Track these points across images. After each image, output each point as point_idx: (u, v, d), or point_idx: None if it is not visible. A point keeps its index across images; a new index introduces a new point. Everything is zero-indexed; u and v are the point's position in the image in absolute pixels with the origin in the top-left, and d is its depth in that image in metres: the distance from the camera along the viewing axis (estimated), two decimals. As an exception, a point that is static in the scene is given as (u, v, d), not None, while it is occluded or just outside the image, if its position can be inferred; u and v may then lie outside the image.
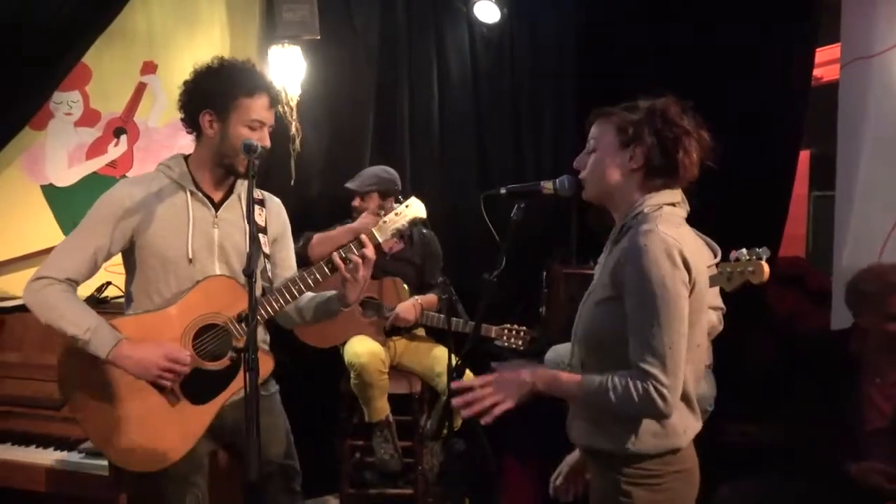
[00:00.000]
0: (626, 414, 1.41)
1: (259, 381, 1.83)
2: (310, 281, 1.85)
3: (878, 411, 2.16)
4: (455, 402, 1.47)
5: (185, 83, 1.87)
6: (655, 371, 1.33)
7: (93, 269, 1.83)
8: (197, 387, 1.80)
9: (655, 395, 1.33)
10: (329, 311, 1.97)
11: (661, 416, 1.38)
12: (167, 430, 1.79)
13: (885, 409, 2.15)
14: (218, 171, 1.87)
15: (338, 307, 1.93)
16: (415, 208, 1.87)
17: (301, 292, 1.86)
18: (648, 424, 1.42)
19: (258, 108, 1.81)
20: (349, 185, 3.04)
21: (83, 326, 1.73)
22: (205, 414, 1.81)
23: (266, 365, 1.87)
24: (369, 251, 1.81)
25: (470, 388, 1.45)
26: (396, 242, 3.04)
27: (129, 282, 1.90)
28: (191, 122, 1.86)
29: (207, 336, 1.83)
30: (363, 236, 1.82)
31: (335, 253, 1.83)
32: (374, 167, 3.10)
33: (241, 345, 1.76)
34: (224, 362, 1.82)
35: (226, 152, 1.82)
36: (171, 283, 1.83)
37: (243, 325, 1.79)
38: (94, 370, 1.76)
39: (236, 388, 1.83)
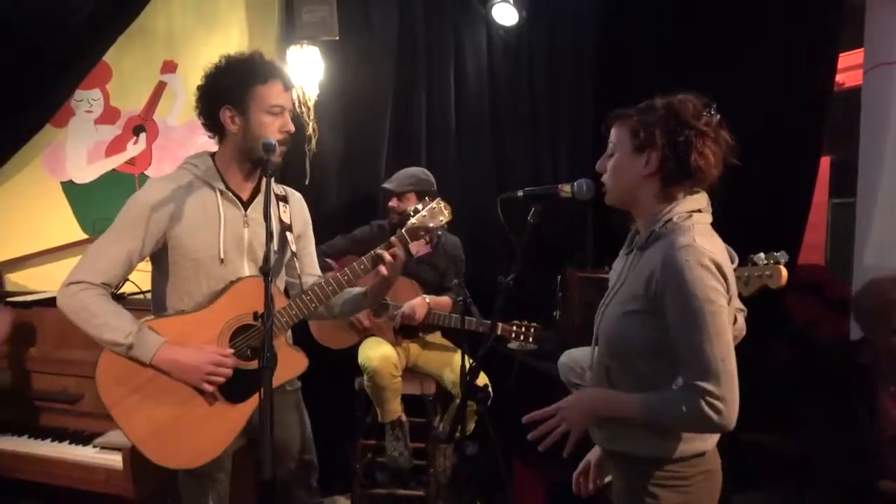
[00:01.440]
0: (687, 428, 1.42)
1: (291, 377, 1.90)
2: (343, 280, 1.88)
3: (894, 421, 2.13)
4: (530, 435, 1.50)
5: (199, 87, 1.87)
6: (709, 386, 1.33)
7: (127, 272, 1.83)
8: (234, 385, 1.82)
9: (709, 410, 1.32)
10: (357, 307, 2.03)
11: (721, 430, 1.38)
12: (206, 428, 1.80)
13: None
14: (246, 166, 1.88)
15: (366, 303, 1.99)
16: (441, 211, 1.92)
17: (335, 292, 1.89)
18: (674, 431, 1.43)
19: (275, 93, 1.82)
20: (387, 185, 3.04)
21: (124, 331, 1.73)
22: (242, 412, 1.83)
23: (300, 364, 1.91)
24: (400, 251, 1.87)
25: (539, 421, 1.49)
26: (423, 245, 3.07)
27: (159, 282, 1.89)
28: (211, 123, 1.87)
29: (244, 336, 1.84)
30: (394, 239, 1.87)
31: (371, 254, 1.87)
32: (411, 168, 3.10)
33: (271, 338, 1.78)
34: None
35: (253, 144, 1.82)
36: (202, 284, 1.83)
37: (275, 320, 1.82)
38: (132, 372, 1.76)
39: (273, 386, 1.84)
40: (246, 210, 1.88)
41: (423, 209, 1.91)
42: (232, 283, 1.83)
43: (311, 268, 2.05)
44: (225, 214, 1.84)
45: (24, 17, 2.90)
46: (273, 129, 1.81)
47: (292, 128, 1.86)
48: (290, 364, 1.90)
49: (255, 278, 1.85)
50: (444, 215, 1.92)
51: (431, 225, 1.91)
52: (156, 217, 1.79)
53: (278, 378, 1.85)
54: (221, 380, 1.78)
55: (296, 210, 2.01)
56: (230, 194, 1.86)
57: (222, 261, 1.82)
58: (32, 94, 2.98)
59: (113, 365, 1.76)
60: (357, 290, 1.99)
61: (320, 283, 1.87)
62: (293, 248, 1.92)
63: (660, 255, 1.40)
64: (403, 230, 1.90)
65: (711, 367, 1.33)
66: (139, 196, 1.82)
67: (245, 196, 1.90)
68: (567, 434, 1.47)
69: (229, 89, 1.82)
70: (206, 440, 1.80)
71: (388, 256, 1.85)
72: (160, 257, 1.86)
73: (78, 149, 3.17)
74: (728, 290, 1.38)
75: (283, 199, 1.97)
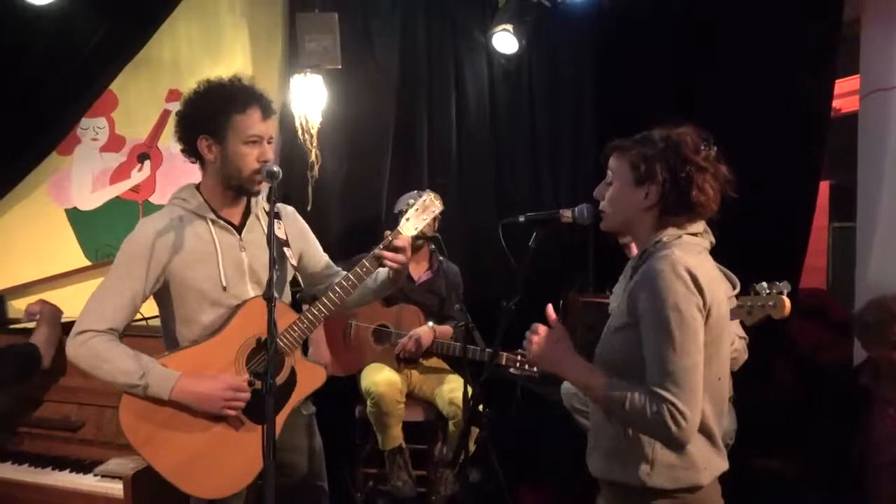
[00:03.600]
0: (638, 429, 1.40)
1: (312, 389, 1.92)
2: (348, 286, 1.88)
3: (887, 444, 2.12)
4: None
5: (177, 114, 1.87)
6: (670, 395, 1.31)
7: (131, 315, 1.83)
8: (258, 406, 1.78)
9: (668, 419, 1.30)
10: (386, 289, 2.05)
11: (675, 442, 1.35)
12: (237, 453, 1.79)
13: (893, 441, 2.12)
14: (228, 193, 1.87)
15: (389, 290, 2.02)
16: (433, 202, 1.92)
17: (341, 300, 1.88)
18: (665, 456, 1.40)
19: (252, 122, 1.79)
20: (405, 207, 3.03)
21: (136, 373, 1.72)
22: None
23: (319, 376, 1.93)
24: (401, 241, 1.87)
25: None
26: (425, 271, 3.08)
27: (167, 318, 1.89)
28: (191, 151, 1.86)
29: (260, 357, 1.84)
30: (388, 232, 1.89)
31: (371, 255, 1.88)
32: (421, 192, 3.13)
33: (295, 355, 1.82)
34: (281, 378, 1.84)
35: (231, 174, 1.82)
36: (208, 313, 1.83)
37: (287, 336, 1.83)
38: (154, 409, 1.76)
39: (296, 400, 1.87)
40: (240, 234, 1.89)
41: (414, 203, 1.90)
42: (238, 306, 1.83)
43: (326, 268, 2.07)
44: (220, 242, 1.84)
45: (33, 48, 2.95)
46: (251, 160, 1.80)
47: (271, 157, 1.83)
48: (311, 377, 1.92)
49: (259, 299, 1.85)
50: (436, 206, 1.92)
51: (425, 217, 1.91)
52: (153, 255, 1.79)
53: (302, 391, 1.88)
54: (242, 404, 1.78)
55: (290, 223, 2.01)
56: (222, 222, 1.87)
57: (225, 288, 1.83)
58: (39, 122, 3.02)
59: (134, 406, 1.76)
60: (380, 274, 1.98)
61: (328, 294, 1.86)
62: (293, 262, 1.93)
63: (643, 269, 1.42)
64: (400, 228, 1.89)
65: (676, 377, 1.32)
66: (134, 237, 1.82)
67: (236, 221, 1.90)
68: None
69: (206, 118, 1.79)
70: (240, 464, 1.79)
71: (387, 254, 1.86)
72: (163, 294, 1.86)
73: (83, 176, 3.20)
74: (705, 304, 1.36)
75: (276, 215, 1.96)
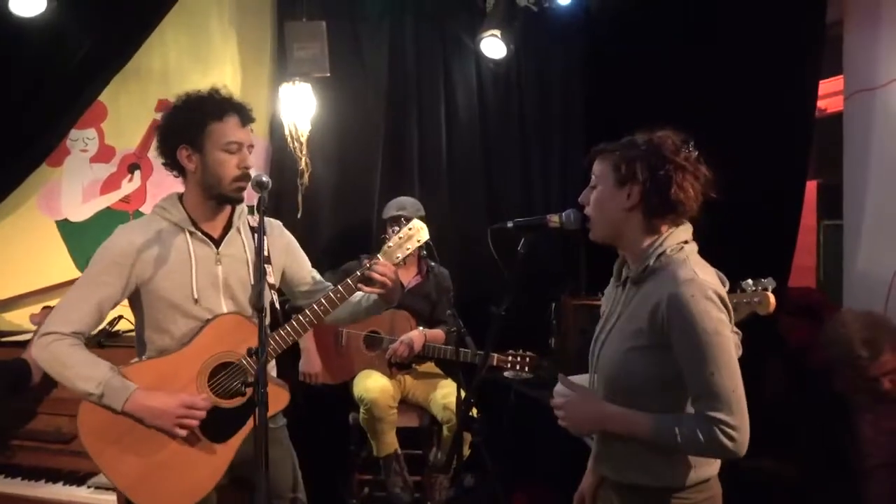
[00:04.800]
0: (694, 454, 1.45)
1: (274, 413, 1.87)
2: (319, 311, 1.87)
3: (876, 446, 2.14)
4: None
5: (157, 128, 1.89)
6: (724, 416, 1.36)
7: (98, 320, 1.83)
8: (217, 425, 1.81)
9: (724, 439, 1.36)
10: (372, 313, 2.04)
11: (733, 456, 1.40)
12: (191, 470, 1.79)
13: (881, 443, 2.14)
14: (210, 204, 1.87)
15: (380, 310, 2.01)
16: (419, 232, 1.89)
17: (311, 324, 1.88)
18: (685, 457, 1.46)
19: (230, 129, 1.80)
20: (399, 212, 3.02)
21: (94, 380, 1.73)
22: (226, 451, 1.82)
23: (281, 398, 1.88)
24: (379, 269, 1.85)
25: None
26: (414, 276, 3.09)
27: (138, 325, 1.90)
28: (172, 162, 1.86)
29: (223, 374, 1.83)
30: (366, 261, 1.87)
31: (342, 284, 1.86)
32: (410, 198, 3.15)
33: (265, 373, 1.77)
34: (240, 399, 1.82)
35: (211, 183, 1.83)
36: (179, 324, 1.83)
37: (254, 358, 1.78)
38: (113, 420, 1.76)
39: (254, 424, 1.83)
40: (218, 248, 1.88)
41: (399, 231, 1.90)
42: (208, 321, 1.83)
43: (313, 284, 2.05)
44: (196, 254, 1.84)
45: (22, 59, 2.95)
46: (231, 167, 1.81)
47: (251, 163, 1.84)
48: (273, 399, 1.87)
49: (232, 315, 1.85)
50: (422, 236, 1.90)
51: (409, 247, 1.89)
52: (126, 264, 1.79)
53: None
54: (194, 423, 1.76)
55: (274, 240, 2.00)
56: (200, 234, 1.86)
57: (196, 300, 1.82)
58: (29, 133, 3.02)
59: (93, 415, 1.76)
60: (370, 296, 1.97)
61: (297, 318, 1.86)
62: (271, 280, 1.91)
63: (662, 289, 1.42)
64: (380, 255, 1.88)
65: (723, 397, 1.37)
66: (109, 244, 1.83)
67: (216, 234, 1.90)
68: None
69: (184, 128, 1.81)
70: (192, 482, 1.78)
71: (377, 276, 1.83)
72: (136, 301, 1.86)
73: (73, 187, 3.20)
74: (731, 320, 1.42)
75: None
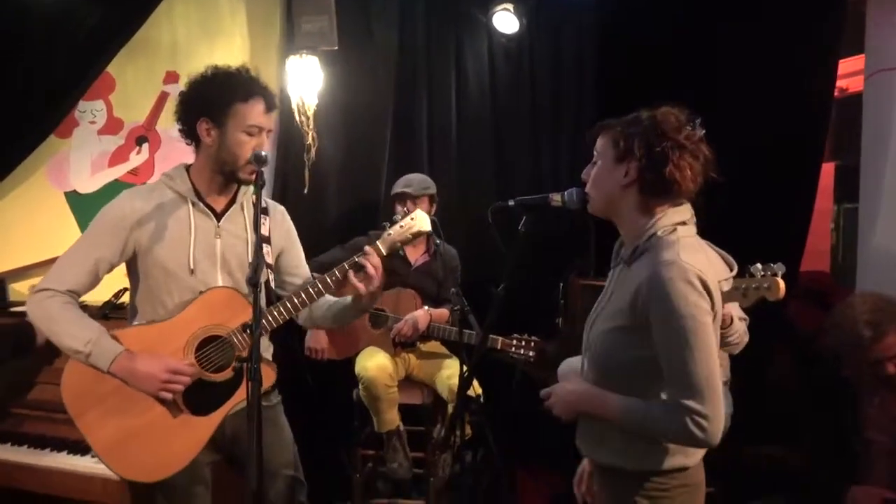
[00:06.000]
0: (664, 441, 1.43)
1: (260, 391, 1.86)
2: (313, 292, 1.85)
3: (881, 432, 2.12)
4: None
5: (181, 94, 1.87)
6: (694, 405, 1.33)
7: (94, 281, 1.83)
8: (200, 398, 1.80)
9: (694, 428, 1.33)
10: (347, 317, 1.99)
11: (703, 445, 1.39)
12: (169, 441, 1.78)
13: (886, 428, 2.11)
14: (218, 178, 1.87)
15: (354, 315, 1.95)
16: (420, 221, 1.87)
17: (304, 304, 1.86)
18: (662, 444, 1.43)
19: (255, 113, 1.80)
20: (405, 189, 3.01)
21: (83, 339, 1.73)
22: (207, 425, 1.81)
23: (268, 376, 1.87)
24: (375, 260, 1.81)
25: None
26: (422, 254, 3.07)
27: (133, 292, 1.91)
28: (188, 131, 1.86)
29: (210, 347, 1.83)
30: (368, 248, 1.83)
31: (343, 265, 1.84)
32: (419, 174, 3.12)
33: (244, 355, 1.74)
34: (227, 373, 1.82)
35: (226, 160, 1.82)
36: (173, 294, 1.83)
37: (247, 334, 1.78)
38: (97, 381, 1.76)
39: (239, 399, 1.82)
40: (219, 221, 1.88)
41: (401, 220, 1.87)
42: (201, 293, 1.82)
43: (300, 278, 2.03)
44: (196, 225, 1.84)
45: (31, 29, 2.94)
46: (248, 149, 1.79)
47: (268, 149, 1.82)
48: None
49: (225, 289, 1.84)
50: (423, 226, 1.87)
51: (410, 236, 1.87)
52: (126, 227, 1.80)
53: (244, 392, 1.82)
54: (180, 388, 1.76)
55: (276, 223, 1.99)
56: (202, 205, 1.86)
57: (192, 271, 1.82)
58: (37, 105, 3.02)
59: (77, 374, 1.76)
60: (345, 299, 1.96)
61: (291, 297, 1.85)
62: (269, 260, 1.90)
63: (645, 270, 1.40)
64: (379, 242, 1.85)
65: (695, 385, 1.33)
66: (111, 206, 1.83)
67: (219, 208, 1.90)
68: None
69: (209, 102, 1.81)
70: (169, 453, 1.78)
71: (370, 268, 1.80)
72: (133, 268, 1.87)
73: (81, 159, 3.20)
74: (713, 307, 1.38)
75: (264, 211, 1.94)
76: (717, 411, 1.34)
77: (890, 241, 2.79)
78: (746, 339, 2.09)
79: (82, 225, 3.18)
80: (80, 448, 2.21)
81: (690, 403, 1.33)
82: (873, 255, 2.83)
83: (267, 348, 2.00)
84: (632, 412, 1.41)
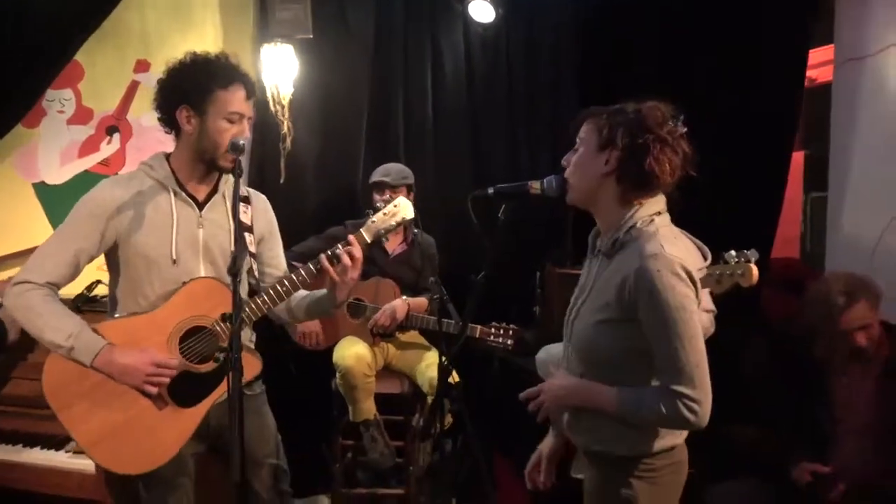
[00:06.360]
0: (657, 426, 1.49)
1: (245, 381, 1.81)
2: (297, 281, 1.84)
3: (849, 411, 2.17)
4: (530, 407, 1.60)
5: (159, 81, 1.84)
6: (686, 390, 1.39)
7: (74, 273, 1.80)
8: (185, 389, 1.79)
9: (686, 412, 1.39)
10: (321, 310, 1.97)
11: (694, 428, 1.44)
12: (155, 433, 1.77)
13: (854, 408, 2.17)
14: (200, 167, 1.85)
15: (329, 306, 1.93)
16: (403, 209, 1.86)
17: (288, 293, 1.85)
18: (654, 428, 1.49)
19: (235, 100, 1.78)
20: (383, 178, 3.00)
21: (65, 333, 1.70)
22: (193, 416, 1.80)
23: (253, 366, 1.86)
24: (357, 251, 1.80)
25: (534, 397, 1.60)
26: (399, 243, 3.07)
27: (112, 283, 1.88)
28: (168, 119, 1.84)
29: (194, 339, 1.81)
30: (351, 237, 1.82)
31: (322, 255, 1.82)
32: (397, 164, 3.11)
33: (239, 338, 1.74)
34: (211, 364, 1.80)
35: (206, 148, 1.80)
36: (154, 285, 1.81)
37: (228, 324, 1.76)
38: (80, 375, 1.74)
39: (224, 390, 1.79)
40: (201, 210, 1.86)
41: (384, 208, 1.87)
42: (184, 283, 1.80)
43: (277, 270, 2.01)
44: (178, 214, 1.81)
45: (-7, 16, 2.86)
46: (228, 136, 1.77)
47: (248, 136, 1.81)
48: (245, 367, 1.85)
49: (208, 279, 1.83)
50: (406, 214, 1.86)
51: (394, 223, 1.86)
52: (106, 217, 1.77)
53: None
54: (165, 380, 1.74)
55: (258, 212, 1.98)
56: (184, 194, 1.84)
57: (175, 261, 1.80)
58: (2, 94, 2.94)
59: (59, 368, 1.74)
60: (319, 292, 1.94)
61: (274, 285, 1.84)
62: (252, 249, 1.89)
63: (630, 263, 1.43)
64: (363, 230, 1.84)
65: (686, 371, 1.39)
66: (91, 196, 1.80)
67: (201, 197, 1.88)
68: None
69: (189, 89, 1.78)
70: (155, 446, 1.76)
71: (346, 258, 1.79)
72: (113, 258, 1.84)
73: (50, 150, 3.13)
74: (697, 295, 1.43)
75: (245, 199, 1.93)
76: (706, 395, 1.41)
77: (858, 229, 2.86)
78: (712, 329, 2.13)
79: (52, 217, 3.11)
80: (55, 443, 2.19)
81: (682, 389, 1.39)
82: (842, 242, 2.90)
83: (250, 338, 1.98)
84: (625, 401, 1.46)
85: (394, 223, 1.86)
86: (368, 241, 1.84)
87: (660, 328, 1.40)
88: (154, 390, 1.74)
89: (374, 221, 1.85)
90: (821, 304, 2.19)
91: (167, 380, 1.75)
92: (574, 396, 1.54)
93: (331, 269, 1.80)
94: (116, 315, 1.85)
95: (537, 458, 1.77)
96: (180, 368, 1.77)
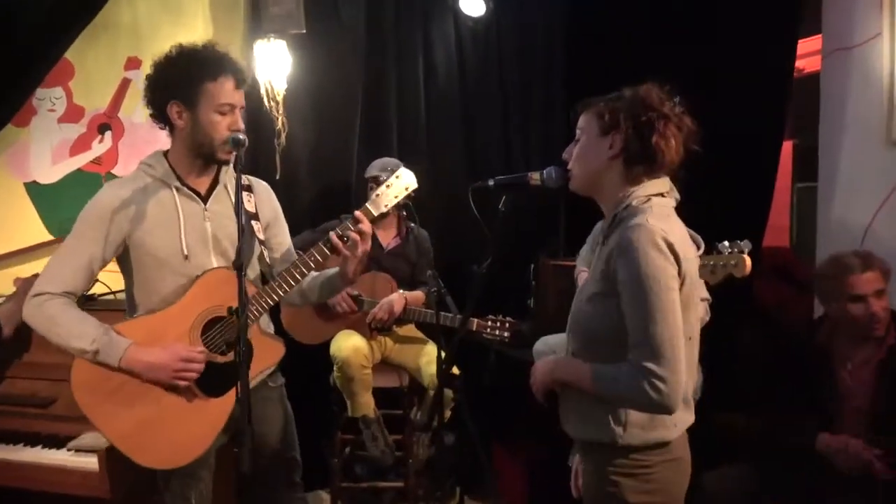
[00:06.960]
0: (626, 406, 1.43)
1: (266, 367, 1.87)
2: (311, 263, 1.85)
3: (852, 396, 2.19)
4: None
5: (147, 77, 1.83)
6: (653, 367, 1.33)
7: (89, 279, 1.81)
8: (212, 380, 1.80)
9: (650, 390, 1.33)
10: (333, 288, 1.99)
11: (659, 409, 1.36)
12: (188, 425, 1.79)
13: (858, 393, 2.18)
14: (197, 161, 1.85)
15: (340, 284, 1.94)
16: (405, 178, 1.87)
17: (303, 275, 1.86)
18: (637, 417, 1.44)
19: (225, 91, 1.77)
20: (378, 172, 3.00)
21: (88, 338, 1.71)
22: (223, 406, 1.81)
23: (276, 350, 1.89)
24: (366, 226, 1.81)
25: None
26: (394, 237, 3.07)
27: (128, 285, 1.88)
28: (160, 116, 1.83)
29: (216, 329, 1.82)
30: (358, 213, 1.83)
31: (332, 232, 1.84)
32: (393, 159, 3.11)
33: (246, 332, 1.76)
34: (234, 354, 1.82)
35: (201, 141, 1.80)
36: (168, 281, 1.81)
37: (251, 310, 1.79)
38: (107, 377, 1.75)
39: (252, 376, 1.82)
40: (205, 204, 1.86)
41: (387, 180, 1.87)
42: (198, 277, 1.81)
43: (286, 255, 2.02)
44: (183, 210, 1.82)
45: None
46: (222, 128, 1.78)
47: (241, 126, 1.80)
48: (267, 353, 1.88)
49: (221, 270, 1.83)
50: (409, 184, 1.87)
51: (397, 195, 1.86)
52: (114, 220, 1.77)
53: (255, 367, 1.81)
54: (194, 375, 1.76)
55: (262, 199, 1.98)
56: (186, 190, 1.84)
57: (186, 257, 1.80)
58: (-8, 92, 2.92)
59: (86, 372, 1.75)
60: (330, 271, 1.96)
61: (288, 269, 1.85)
62: (260, 236, 1.90)
63: (616, 237, 1.43)
64: (368, 205, 1.85)
65: (655, 346, 1.33)
66: (96, 201, 1.80)
67: (203, 190, 1.88)
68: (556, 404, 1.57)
69: (177, 84, 1.77)
70: (189, 438, 1.79)
71: (353, 234, 1.80)
72: (125, 260, 1.84)
73: (42, 149, 3.11)
74: (681, 271, 1.39)
75: (248, 188, 1.93)
76: (676, 375, 1.33)
77: (846, 216, 2.90)
78: (707, 318, 2.16)
79: (44, 216, 3.09)
80: (55, 442, 2.17)
81: (649, 365, 1.33)
82: (832, 231, 2.93)
83: (268, 324, 2.00)
84: (600, 377, 1.42)
85: (398, 194, 1.86)
86: (375, 215, 1.84)
87: (633, 299, 1.35)
88: (185, 384, 1.76)
89: (378, 195, 1.86)
90: (836, 268, 2.18)
91: (196, 374, 1.76)
92: (558, 370, 1.53)
93: (341, 244, 1.81)
94: (133, 316, 1.85)
95: (574, 470, 1.73)
96: (206, 359, 1.78)
